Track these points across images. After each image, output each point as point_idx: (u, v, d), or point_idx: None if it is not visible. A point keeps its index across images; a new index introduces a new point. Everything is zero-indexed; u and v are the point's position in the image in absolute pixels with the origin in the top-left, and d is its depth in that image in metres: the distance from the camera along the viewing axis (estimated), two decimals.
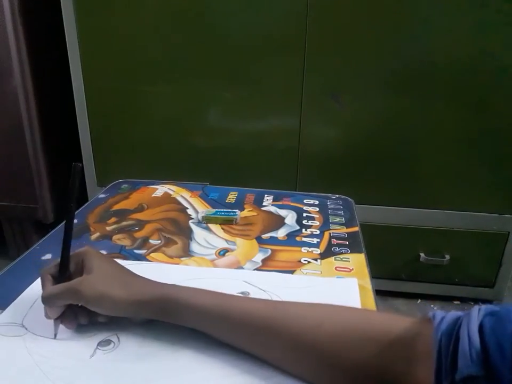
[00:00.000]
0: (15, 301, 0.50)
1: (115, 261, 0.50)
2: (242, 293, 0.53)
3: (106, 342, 0.44)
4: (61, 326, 0.45)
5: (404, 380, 0.35)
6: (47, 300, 0.43)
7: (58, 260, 0.46)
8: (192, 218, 0.75)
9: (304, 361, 0.40)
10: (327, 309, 0.42)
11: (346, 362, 0.38)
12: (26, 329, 0.46)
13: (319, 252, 0.65)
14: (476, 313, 0.32)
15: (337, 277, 0.58)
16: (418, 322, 0.36)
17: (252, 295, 0.52)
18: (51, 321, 0.44)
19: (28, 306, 0.49)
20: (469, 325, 0.31)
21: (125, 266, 0.57)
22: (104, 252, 0.63)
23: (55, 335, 0.44)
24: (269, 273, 0.58)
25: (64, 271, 0.46)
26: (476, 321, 0.31)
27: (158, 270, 0.59)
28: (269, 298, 0.52)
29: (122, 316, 0.45)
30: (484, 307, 0.33)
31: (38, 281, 0.53)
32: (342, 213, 0.79)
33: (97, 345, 0.44)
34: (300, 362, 0.40)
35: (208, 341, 0.44)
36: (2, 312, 0.49)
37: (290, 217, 0.76)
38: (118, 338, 0.45)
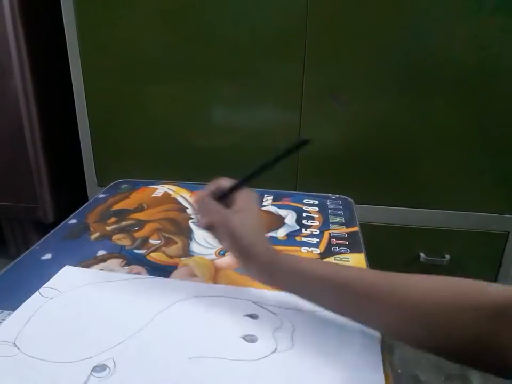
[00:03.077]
0: (8, 318, 0.48)
1: (260, 214, 0.54)
2: (250, 315, 0.49)
3: (101, 368, 0.41)
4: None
5: (508, 351, 0.35)
6: (199, 201, 0.52)
7: (224, 183, 0.52)
8: (192, 218, 0.75)
9: (407, 328, 0.40)
10: (429, 279, 0.42)
11: (449, 330, 0.38)
12: (18, 349, 0.43)
13: (319, 252, 0.65)
14: None
15: None
16: None
17: (260, 318, 0.49)
18: (44, 341, 0.45)
19: (22, 324, 0.47)
20: None
21: (134, 279, 0.57)
22: (104, 252, 0.63)
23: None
24: (280, 293, 0.52)
25: (225, 196, 0.52)
26: None
27: (162, 286, 0.56)
28: (279, 322, 0.48)
29: (234, 257, 0.50)
30: None
31: (32, 298, 0.52)
32: (341, 212, 0.79)
33: (92, 370, 0.41)
34: (405, 330, 0.40)
35: (211, 369, 0.41)
36: (2, 312, 0.49)
37: (290, 217, 0.76)
38: (114, 363, 0.42)
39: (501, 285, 0.39)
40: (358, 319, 0.44)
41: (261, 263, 0.47)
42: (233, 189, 0.51)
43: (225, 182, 0.52)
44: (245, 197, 0.51)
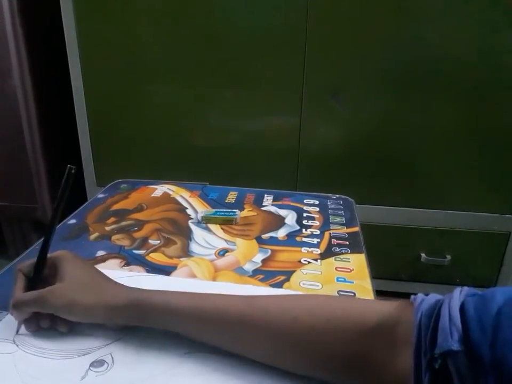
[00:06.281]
0: (8, 315, 0.48)
1: (90, 265, 0.49)
2: None
3: (99, 363, 0.42)
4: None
5: (383, 367, 0.34)
6: (16, 305, 0.43)
7: (35, 259, 0.46)
8: (192, 219, 0.75)
9: (282, 355, 0.40)
10: (302, 302, 0.42)
11: (324, 352, 0.38)
12: (17, 346, 0.44)
13: (319, 252, 0.64)
14: (458, 293, 0.32)
15: (338, 278, 0.58)
16: (399, 307, 0.36)
17: None
18: (42, 337, 0.44)
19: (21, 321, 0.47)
20: (450, 303, 0.31)
21: (126, 277, 0.55)
22: (103, 252, 0.63)
23: (17, 331, 0.45)
24: (278, 290, 0.55)
25: (38, 273, 0.46)
26: (457, 300, 0.31)
27: (161, 284, 0.56)
28: None
29: (95, 322, 0.45)
30: (466, 288, 0.33)
31: None
32: (342, 213, 0.78)
33: (90, 365, 0.41)
34: (279, 356, 0.40)
35: (206, 364, 0.42)
36: (1, 312, 0.49)
37: (290, 217, 0.76)
38: (113, 358, 0.42)
39: (364, 299, 0.39)
40: (237, 352, 0.42)
41: (124, 309, 0.43)
42: (39, 265, 0.46)
43: (28, 266, 0.46)
44: (61, 262, 0.46)
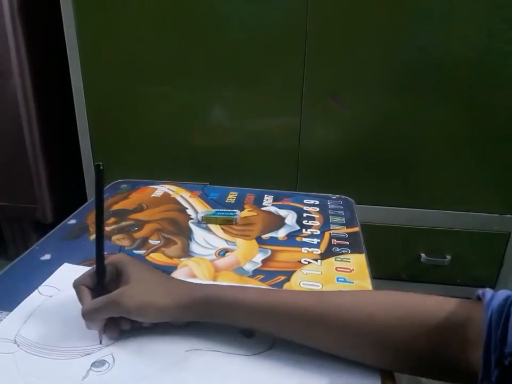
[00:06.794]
0: (9, 315, 0.48)
1: (150, 266, 0.50)
2: None
3: (100, 363, 0.42)
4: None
5: (456, 362, 0.35)
6: (87, 315, 0.43)
7: (90, 269, 0.46)
8: (192, 219, 0.75)
9: (357, 349, 0.41)
10: (376, 299, 0.42)
11: (399, 348, 0.38)
12: (18, 346, 0.44)
13: (319, 252, 0.64)
14: None
15: (338, 278, 0.58)
16: (469, 304, 0.37)
17: None
18: (43, 338, 0.44)
19: (22, 322, 0.47)
20: None
21: None
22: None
23: (101, 341, 0.44)
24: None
25: (101, 282, 0.45)
26: None
27: None
28: None
29: (162, 321, 0.45)
30: None
31: (32, 296, 0.52)
32: (342, 213, 0.79)
33: (91, 365, 0.41)
34: (353, 350, 0.41)
35: (208, 362, 0.42)
36: (2, 312, 0.49)
37: (290, 218, 0.76)
38: (113, 358, 0.42)
39: (435, 296, 0.40)
40: (307, 345, 0.43)
41: (195, 307, 0.43)
42: (100, 272, 0.46)
43: (86, 278, 0.46)
44: (123, 265, 0.47)
